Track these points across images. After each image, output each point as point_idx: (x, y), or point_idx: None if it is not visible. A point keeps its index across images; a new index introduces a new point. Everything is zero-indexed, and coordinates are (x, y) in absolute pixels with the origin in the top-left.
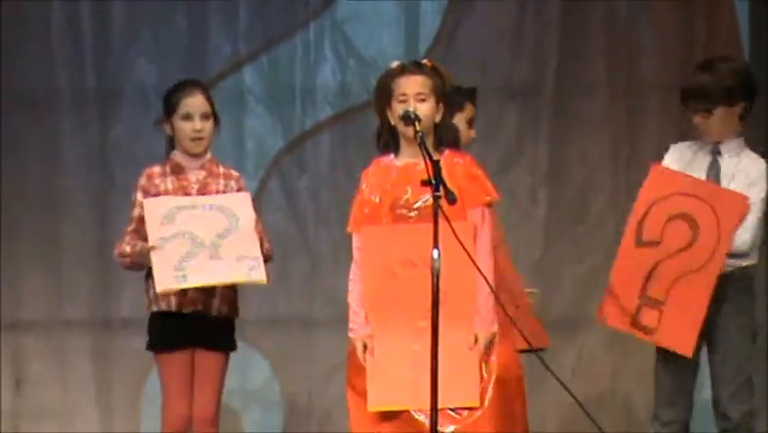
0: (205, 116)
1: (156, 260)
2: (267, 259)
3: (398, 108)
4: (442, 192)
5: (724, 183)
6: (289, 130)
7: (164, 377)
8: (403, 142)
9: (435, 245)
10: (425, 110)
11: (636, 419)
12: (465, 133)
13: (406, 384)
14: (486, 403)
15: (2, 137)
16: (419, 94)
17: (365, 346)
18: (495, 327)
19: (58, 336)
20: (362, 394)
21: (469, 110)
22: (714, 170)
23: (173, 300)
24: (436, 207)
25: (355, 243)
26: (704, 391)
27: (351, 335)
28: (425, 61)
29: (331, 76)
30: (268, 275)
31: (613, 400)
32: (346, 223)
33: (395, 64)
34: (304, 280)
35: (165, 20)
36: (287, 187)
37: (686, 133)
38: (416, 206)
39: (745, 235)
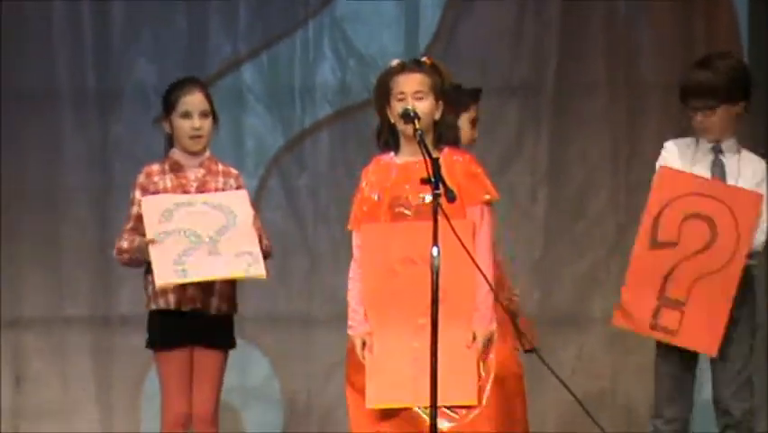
0: (204, 114)
1: (155, 255)
2: (266, 256)
3: (397, 107)
4: (441, 190)
5: (730, 182)
6: (289, 128)
7: (163, 375)
8: (403, 141)
9: (435, 243)
10: (424, 108)
11: (636, 417)
12: (469, 133)
13: (404, 382)
14: (484, 402)
15: (2, 136)
16: (417, 92)
17: (364, 343)
18: (494, 326)
19: (58, 334)
20: (361, 392)
21: (473, 110)
22: (718, 169)
23: (172, 299)
24: (436, 205)
25: (355, 240)
26: (704, 391)
27: (350, 332)
28: (424, 59)
29: (330, 74)
30: (267, 271)
31: (613, 399)
32: (346, 221)
33: (394, 62)
34: (303, 278)
35: (165, 19)
36: (286, 185)
37: (685, 132)
38: (415, 204)
39: (761, 237)
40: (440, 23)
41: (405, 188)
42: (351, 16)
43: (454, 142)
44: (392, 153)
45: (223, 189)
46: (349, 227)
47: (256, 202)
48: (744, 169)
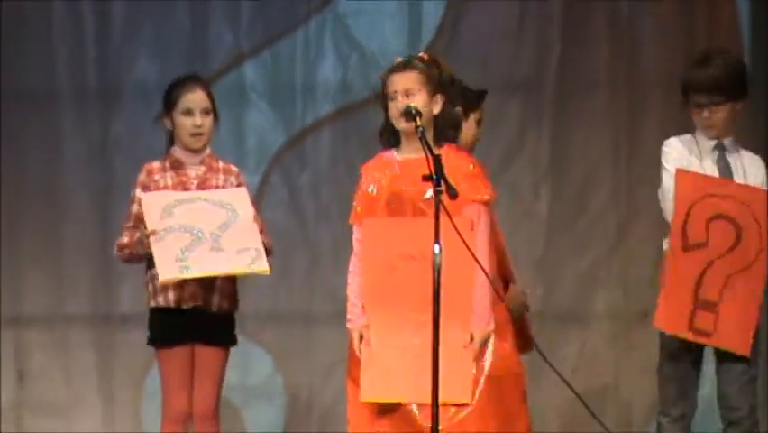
0: (205, 112)
1: (157, 250)
2: (267, 253)
3: (391, 106)
4: (443, 187)
5: (736, 179)
6: (291, 126)
7: (164, 372)
8: (403, 138)
9: (437, 240)
10: (416, 104)
11: (639, 414)
12: (475, 132)
13: (399, 377)
14: (473, 402)
15: (3, 134)
16: (407, 90)
17: (361, 337)
18: (491, 326)
19: (59, 331)
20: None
21: (479, 111)
22: (724, 166)
23: (172, 297)
24: (438, 202)
25: (356, 235)
26: (703, 388)
27: (348, 325)
28: (421, 54)
29: (332, 72)
30: (270, 266)
31: (615, 396)
32: (347, 218)
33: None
34: (304, 275)
35: (166, 16)
36: (288, 182)
37: (686, 129)
38: (413, 200)
39: None
40: (442, 20)
41: (404, 184)
42: (353, 14)
43: (454, 137)
44: (394, 151)
45: (223, 187)
46: (350, 221)
47: (258, 199)
48: (748, 167)
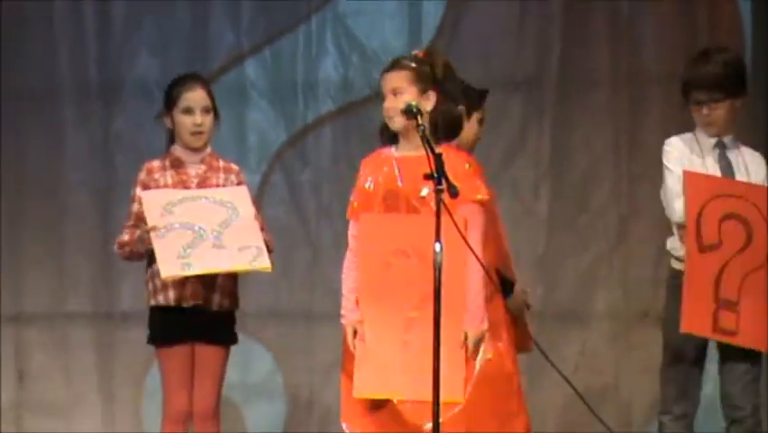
0: (205, 110)
1: (159, 247)
2: (268, 250)
3: (384, 105)
4: (444, 185)
5: (738, 177)
6: (292, 124)
7: (164, 371)
8: (401, 135)
9: (438, 239)
10: (402, 103)
11: (638, 414)
12: (477, 131)
13: (393, 374)
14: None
15: (3, 133)
16: (395, 89)
17: (355, 332)
18: (485, 326)
19: (60, 329)
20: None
21: (481, 110)
22: (725, 164)
23: (172, 295)
24: (439, 200)
25: (351, 230)
26: (705, 386)
27: (342, 320)
28: (415, 52)
29: (333, 70)
30: (272, 263)
31: (615, 396)
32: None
33: None
34: (306, 273)
35: (167, 13)
36: (289, 180)
37: (688, 125)
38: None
39: None
40: (443, 17)
41: (400, 181)
42: (353, 12)
43: (452, 135)
44: (392, 147)
45: (224, 186)
46: (347, 216)
47: (259, 197)
48: (749, 163)
